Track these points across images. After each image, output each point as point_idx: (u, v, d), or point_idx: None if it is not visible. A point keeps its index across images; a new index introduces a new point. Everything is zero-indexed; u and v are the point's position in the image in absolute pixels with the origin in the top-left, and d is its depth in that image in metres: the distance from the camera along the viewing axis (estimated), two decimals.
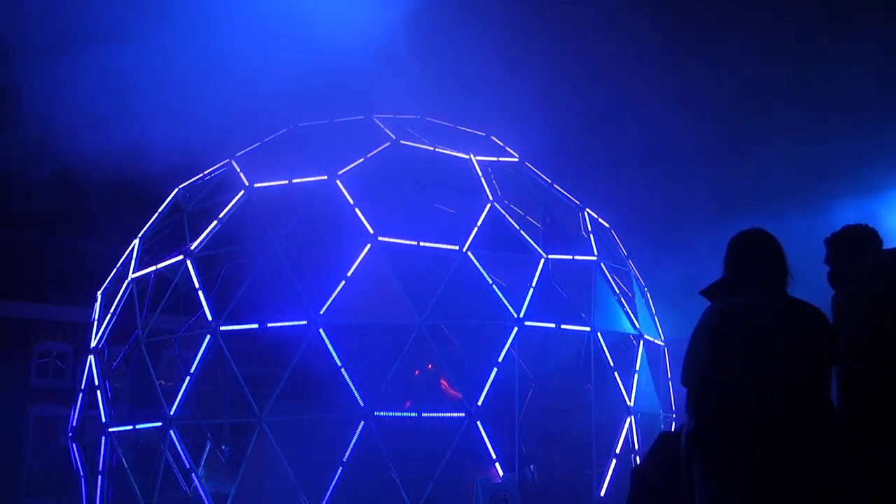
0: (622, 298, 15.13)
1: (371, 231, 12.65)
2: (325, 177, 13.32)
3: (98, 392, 14.01)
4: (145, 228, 15.54)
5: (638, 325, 14.86)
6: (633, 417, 13.86)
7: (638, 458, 14.18)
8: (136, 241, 15.30)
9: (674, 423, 15.62)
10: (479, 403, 12.11)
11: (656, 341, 15.73)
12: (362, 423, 11.62)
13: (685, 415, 3.21)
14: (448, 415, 12.19)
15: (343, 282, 12.26)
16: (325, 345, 11.91)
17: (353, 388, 11.78)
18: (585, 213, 15.78)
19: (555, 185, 16.04)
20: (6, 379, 22.30)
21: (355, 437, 11.60)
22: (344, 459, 11.57)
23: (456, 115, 16.38)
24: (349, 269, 12.37)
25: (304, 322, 12.00)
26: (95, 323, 15.27)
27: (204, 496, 12.03)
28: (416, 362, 13.45)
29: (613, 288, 14.98)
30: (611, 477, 13.27)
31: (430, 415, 12.09)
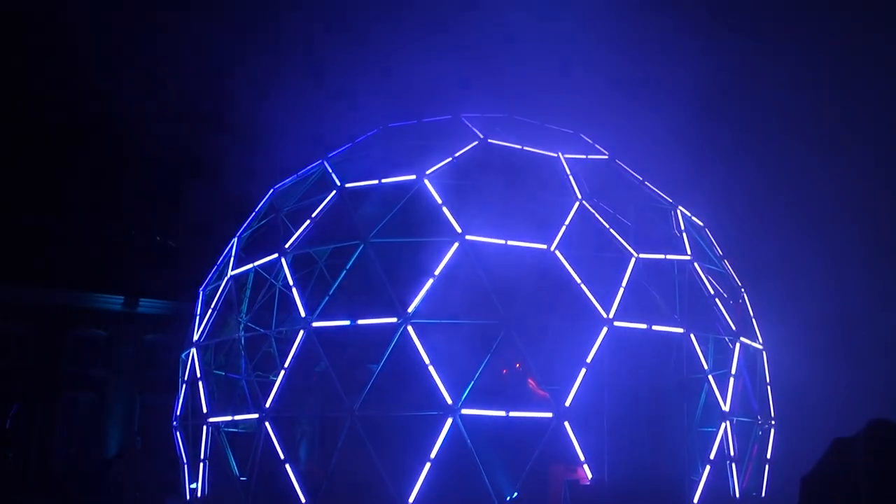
0: (717, 299, 14.62)
1: (459, 230, 12.72)
2: (414, 176, 13.50)
3: (200, 384, 14.70)
4: (242, 227, 16.20)
5: (734, 328, 14.32)
6: (728, 423, 13.39)
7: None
8: (235, 240, 15.96)
9: (772, 431, 14.97)
10: (567, 404, 11.99)
11: (754, 344, 15.11)
12: (450, 421, 11.72)
13: None
14: (535, 414, 12.11)
15: (431, 280, 12.39)
16: (414, 342, 12.07)
17: (440, 385, 11.89)
18: (678, 212, 15.34)
19: (646, 183, 15.67)
20: (41, 364, 23.56)
21: (443, 434, 11.70)
22: (431, 456, 11.69)
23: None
24: (437, 267, 12.49)
25: (394, 319, 12.21)
26: (197, 318, 16.03)
27: (297, 486, 12.43)
28: (503, 361, 13.42)
29: (707, 288, 14.49)
30: (704, 484, 12.87)
31: (517, 414, 12.04)
